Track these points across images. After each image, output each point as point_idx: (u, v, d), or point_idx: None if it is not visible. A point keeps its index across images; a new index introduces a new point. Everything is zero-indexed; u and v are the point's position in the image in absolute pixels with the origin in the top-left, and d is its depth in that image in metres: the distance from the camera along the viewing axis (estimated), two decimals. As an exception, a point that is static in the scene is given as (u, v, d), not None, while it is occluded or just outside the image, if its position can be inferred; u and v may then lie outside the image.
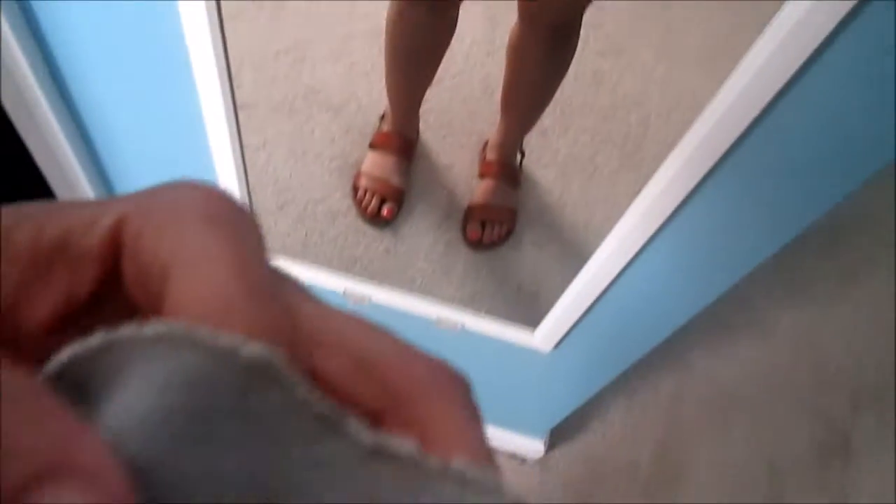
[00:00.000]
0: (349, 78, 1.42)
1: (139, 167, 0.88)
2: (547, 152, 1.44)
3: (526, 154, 1.42)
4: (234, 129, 0.77)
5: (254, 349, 0.13)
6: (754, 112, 0.59)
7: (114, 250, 0.15)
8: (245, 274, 0.14)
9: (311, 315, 0.16)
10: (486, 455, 0.15)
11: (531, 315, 1.03)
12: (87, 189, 0.86)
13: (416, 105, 1.34)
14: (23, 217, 0.15)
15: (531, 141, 1.40)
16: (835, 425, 1.04)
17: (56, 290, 0.15)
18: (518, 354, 1.06)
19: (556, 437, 1.38)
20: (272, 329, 0.14)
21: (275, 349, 0.13)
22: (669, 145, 0.68)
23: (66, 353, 0.13)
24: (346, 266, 1.31)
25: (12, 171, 0.84)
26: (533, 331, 1.02)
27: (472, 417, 0.16)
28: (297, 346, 0.14)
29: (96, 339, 0.13)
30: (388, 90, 1.29)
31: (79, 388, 0.13)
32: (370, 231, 1.35)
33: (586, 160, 1.44)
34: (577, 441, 1.39)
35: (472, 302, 1.31)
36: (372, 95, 1.37)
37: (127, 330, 0.13)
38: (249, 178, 0.86)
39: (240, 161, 0.82)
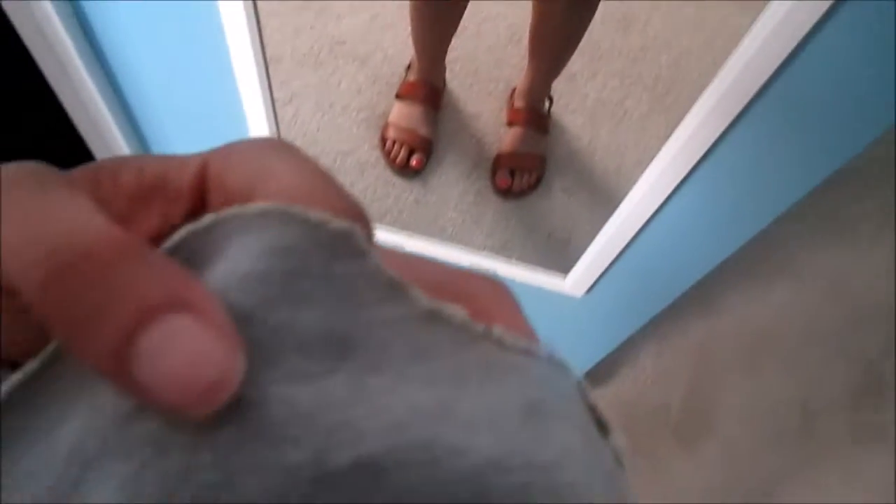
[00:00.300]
0: (374, 28, 1.41)
1: (173, 126, 0.89)
2: (575, 97, 1.42)
3: (554, 100, 1.40)
4: (266, 84, 0.77)
5: (340, 223, 0.15)
6: (786, 51, 0.58)
7: (201, 187, 0.18)
8: (322, 174, 0.17)
9: None
10: (534, 336, 0.19)
11: (562, 262, 1.04)
12: (123, 147, 0.88)
13: (442, 54, 1.33)
14: (126, 162, 0.18)
15: (559, 87, 1.39)
16: (869, 367, 1.04)
17: (154, 219, 0.18)
18: (549, 300, 1.07)
19: (587, 382, 1.39)
20: (350, 212, 0.16)
21: (354, 224, 0.16)
22: (701, 87, 0.67)
23: (180, 232, 0.16)
24: (377, 217, 1.32)
25: (48, 129, 0.85)
26: (564, 277, 1.02)
27: (519, 310, 0.19)
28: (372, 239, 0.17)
29: (206, 218, 0.16)
30: (414, 39, 1.28)
31: (189, 263, 0.15)
32: (399, 182, 1.36)
33: (616, 104, 1.42)
34: (609, 386, 1.41)
35: (503, 250, 1.31)
36: (397, 45, 1.36)
37: (232, 210, 0.15)
38: (279, 132, 0.87)
39: (272, 116, 0.82)
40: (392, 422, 0.13)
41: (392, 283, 0.15)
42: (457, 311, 0.16)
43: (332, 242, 0.15)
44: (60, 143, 0.87)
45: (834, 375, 1.08)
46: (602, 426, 0.18)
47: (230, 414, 0.13)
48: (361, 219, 0.17)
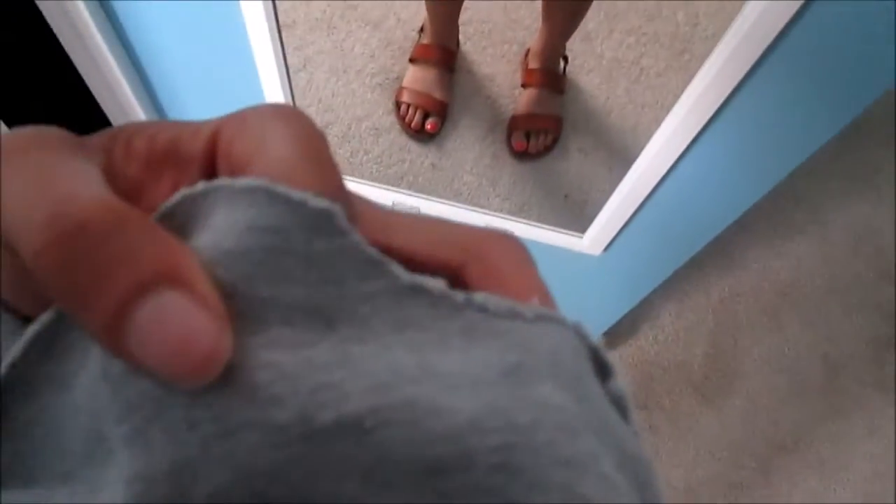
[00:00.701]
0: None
1: (189, 93, 0.90)
2: (591, 57, 1.40)
3: (569, 60, 1.39)
4: (279, 51, 0.77)
5: (319, 202, 0.16)
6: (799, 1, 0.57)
7: (212, 154, 0.18)
8: (311, 148, 0.17)
9: (377, 210, 0.19)
10: (544, 290, 0.19)
11: (580, 222, 1.04)
12: (139, 113, 0.88)
13: (455, 14, 1.31)
14: (140, 128, 0.19)
15: (574, 46, 1.37)
16: (890, 318, 1.03)
17: (166, 185, 0.18)
18: (568, 260, 1.07)
19: (608, 342, 1.40)
20: (331, 191, 0.17)
21: (334, 203, 0.16)
22: (717, 44, 0.66)
23: (176, 196, 0.16)
24: (393, 182, 1.32)
25: (62, 93, 0.86)
26: (582, 235, 1.02)
27: (533, 267, 0.19)
28: (354, 216, 0.17)
29: (199, 185, 0.16)
30: (426, 1, 1.27)
31: (182, 228, 0.16)
32: (415, 146, 1.35)
33: (632, 63, 1.40)
34: (629, 345, 1.41)
35: (521, 212, 1.31)
36: (410, 8, 1.35)
37: (222, 181, 0.16)
38: (294, 99, 0.87)
39: (286, 83, 0.82)
40: (374, 383, 0.14)
41: (371, 259, 0.16)
42: (437, 283, 0.16)
43: (313, 221, 0.16)
44: (75, 107, 0.87)
45: (856, 328, 1.08)
46: (606, 371, 0.18)
47: (219, 376, 0.14)
48: (341, 195, 0.17)
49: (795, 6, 0.57)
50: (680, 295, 1.31)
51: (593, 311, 1.26)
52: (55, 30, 0.75)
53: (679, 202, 0.85)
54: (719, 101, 0.69)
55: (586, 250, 1.02)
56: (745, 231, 0.95)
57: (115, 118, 0.88)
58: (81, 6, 0.72)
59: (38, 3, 0.71)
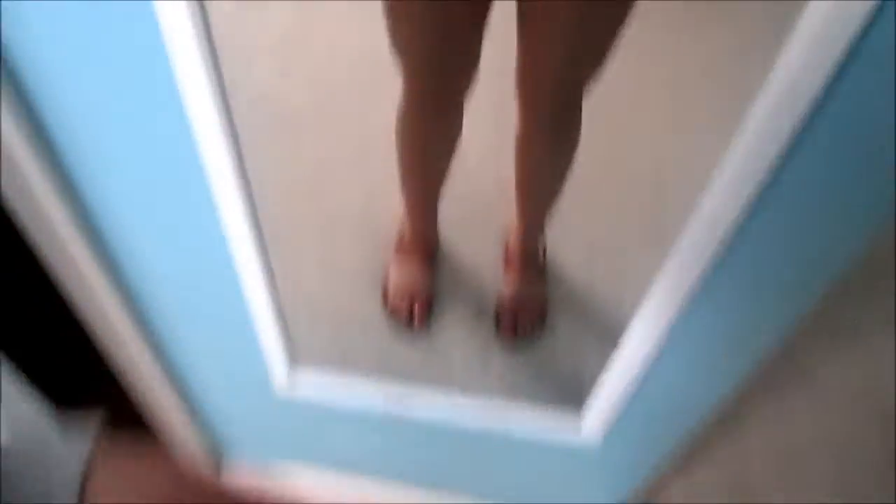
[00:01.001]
0: (368, 189, 1.46)
1: (173, 311, 0.91)
2: (569, 237, 1.45)
3: (548, 240, 1.43)
4: (263, 254, 0.79)
5: None
6: (766, 167, 0.58)
7: None
8: None
9: None
10: None
11: (576, 403, 1.02)
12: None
13: (434, 208, 1.36)
14: None
15: (552, 228, 1.42)
16: (907, 477, 1.00)
17: None
18: (568, 445, 1.04)
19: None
20: None
21: None
22: (688, 212, 0.68)
23: None
24: (384, 373, 1.30)
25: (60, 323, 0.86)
26: (580, 416, 1.00)
27: None
28: None
29: None
30: (404, 196, 1.32)
31: None
32: (404, 337, 1.36)
33: (610, 239, 1.45)
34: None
35: (514, 396, 1.29)
36: (392, 204, 1.41)
37: None
38: (281, 296, 0.88)
39: (271, 284, 0.84)
40: None
41: None
42: None
43: None
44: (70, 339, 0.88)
45: (875, 487, 1.03)
46: None
47: None
48: None
49: (766, 165, 0.58)
50: (687, 467, 1.26)
51: (600, 495, 1.21)
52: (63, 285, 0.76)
53: (674, 377, 0.84)
54: (699, 272, 0.70)
55: (585, 436, 1.00)
56: (745, 396, 0.93)
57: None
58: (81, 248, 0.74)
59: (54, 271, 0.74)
